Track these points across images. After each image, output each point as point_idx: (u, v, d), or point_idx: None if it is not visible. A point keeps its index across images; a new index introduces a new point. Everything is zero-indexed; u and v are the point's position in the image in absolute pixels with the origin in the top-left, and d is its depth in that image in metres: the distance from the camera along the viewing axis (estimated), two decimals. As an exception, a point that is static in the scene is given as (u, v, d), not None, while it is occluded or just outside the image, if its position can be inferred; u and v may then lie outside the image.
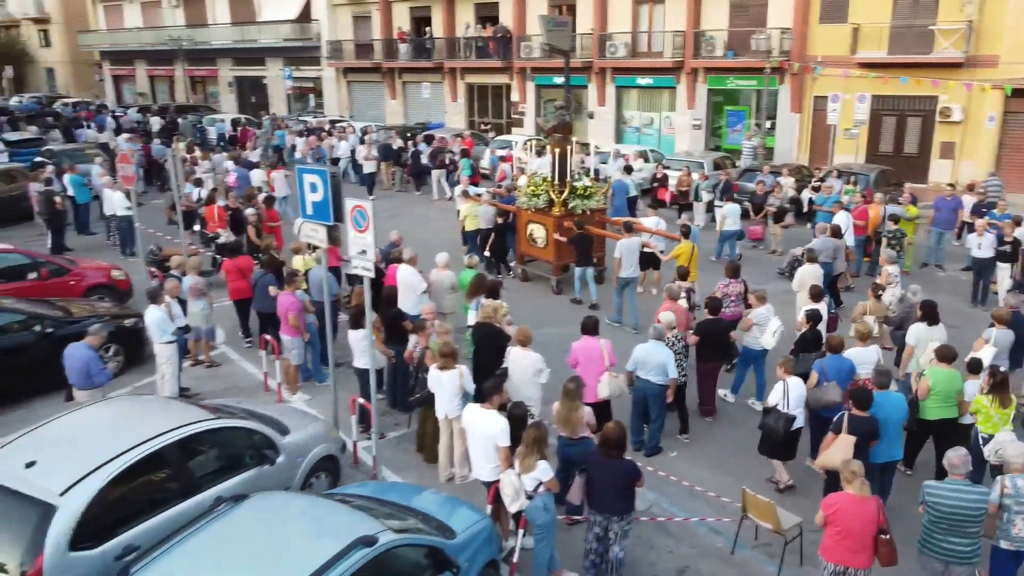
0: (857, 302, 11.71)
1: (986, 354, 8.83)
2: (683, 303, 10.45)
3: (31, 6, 56.51)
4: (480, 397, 7.61)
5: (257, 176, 20.50)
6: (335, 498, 6.42)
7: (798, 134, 27.18)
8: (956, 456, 6.32)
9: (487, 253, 15.85)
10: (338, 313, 11.95)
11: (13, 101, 45.91)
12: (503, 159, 23.36)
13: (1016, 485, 6.35)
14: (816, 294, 10.50)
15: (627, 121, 32.20)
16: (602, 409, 8.79)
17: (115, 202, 17.30)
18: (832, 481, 7.40)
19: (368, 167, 24.37)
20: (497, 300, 10.18)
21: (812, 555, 7.36)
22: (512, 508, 6.76)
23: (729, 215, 16.75)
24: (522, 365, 8.60)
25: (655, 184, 21.37)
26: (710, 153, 25.54)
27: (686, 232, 13.24)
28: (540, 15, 28.91)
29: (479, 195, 16.97)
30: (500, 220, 15.88)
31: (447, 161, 23.68)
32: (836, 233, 13.75)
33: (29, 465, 6.02)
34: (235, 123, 34.63)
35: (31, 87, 57.56)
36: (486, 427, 7.12)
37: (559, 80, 29.70)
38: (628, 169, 20.97)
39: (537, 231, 15.40)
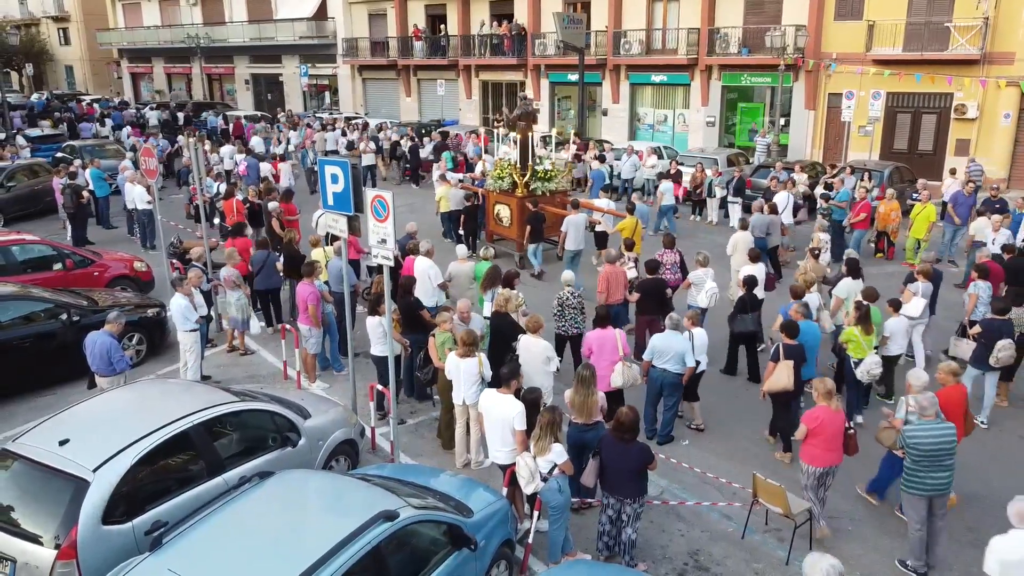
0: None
1: (917, 304, 10.46)
2: (630, 271, 11.86)
3: (51, 4, 57.23)
4: (497, 382, 7.78)
5: (264, 167, 21.51)
6: (356, 476, 6.61)
7: (812, 131, 27.20)
8: (926, 399, 7.17)
9: (460, 232, 17.38)
10: (356, 304, 12.15)
11: (33, 98, 46.63)
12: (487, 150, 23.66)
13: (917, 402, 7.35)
14: (754, 256, 11.91)
15: (641, 118, 32.29)
16: (615, 398, 8.96)
17: (136, 196, 17.60)
18: (778, 404, 8.99)
19: (366, 160, 25.00)
20: (512, 291, 10.35)
21: (821, 539, 7.53)
22: (527, 490, 6.92)
23: (665, 192, 18.86)
24: (532, 352, 8.77)
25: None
26: (724, 150, 25.60)
27: (631, 209, 15.11)
28: (555, 12, 29.21)
29: (460, 180, 18.77)
30: (468, 202, 17.29)
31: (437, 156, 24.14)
32: (773, 210, 15.29)
33: (63, 443, 6.24)
34: (225, 117, 36.08)
35: (50, 85, 58.23)
36: (503, 411, 7.29)
37: (573, 77, 29.89)
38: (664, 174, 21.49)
39: (503, 211, 16.90)
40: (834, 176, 19.36)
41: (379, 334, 9.55)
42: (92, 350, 8.93)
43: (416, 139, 27.21)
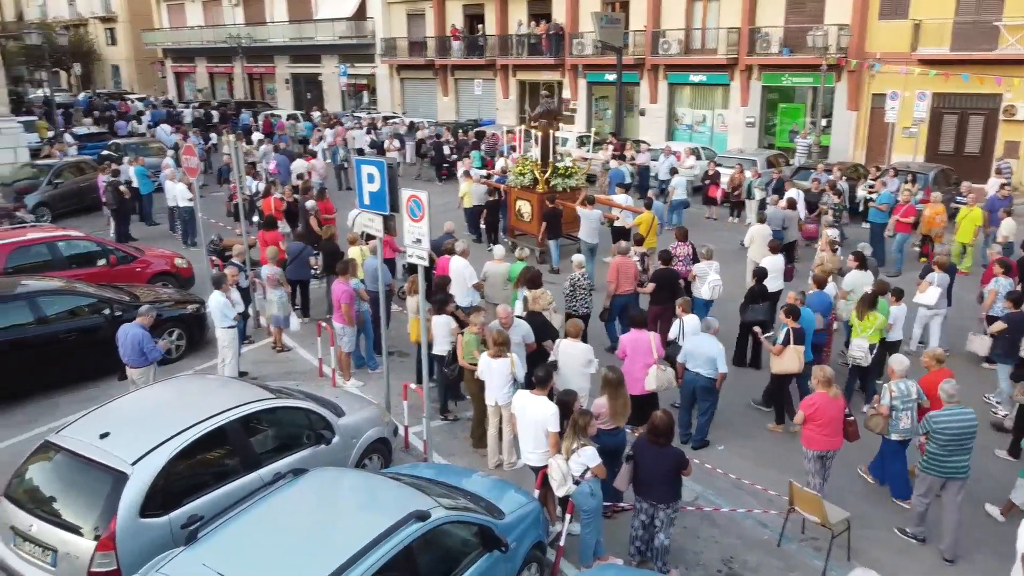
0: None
1: (933, 293, 11.02)
2: (636, 261, 12.17)
3: (99, 5, 58.54)
4: (531, 383, 7.75)
5: (300, 165, 21.76)
6: (389, 475, 6.64)
7: (855, 132, 26.73)
8: (951, 387, 7.34)
9: (482, 226, 17.83)
10: (391, 303, 12.23)
11: (80, 96, 47.83)
12: (512, 148, 23.80)
13: (900, 388, 7.87)
14: (774, 248, 12.28)
15: (679, 118, 32.03)
16: (649, 401, 8.88)
17: (177, 193, 17.91)
18: (776, 383, 9.65)
19: (390, 157, 25.28)
20: (540, 289, 10.36)
21: (860, 550, 7.42)
22: (560, 493, 6.89)
23: (677, 187, 19.41)
24: (572, 355, 8.73)
25: (706, 182, 21.25)
26: (763, 151, 25.27)
27: (648, 204, 15.26)
28: (593, 12, 29.11)
29: (486, 177, 19.27)
30: (491, 198, 17.78)
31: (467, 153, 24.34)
32: (791, 205, 15.50)
33: (103, 436, 6.35)
34: (255, 115, 37.21)
35: (97, 84, 59.58)
36: (536, 413, 7.26)
37: (611, 77, 29.73)
38: (674, 171, 21.42)
39: (524, 207, 17.25)
40: (877, 178, 18.99)
41: (443, 333, 9.61)
42: (124, 341, 9.11)
43: (438, 137, 27.72)
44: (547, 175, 16.75)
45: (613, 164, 21.45)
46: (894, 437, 8.02)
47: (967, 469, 7.30)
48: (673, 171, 20.70)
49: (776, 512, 7.93)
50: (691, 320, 9.65)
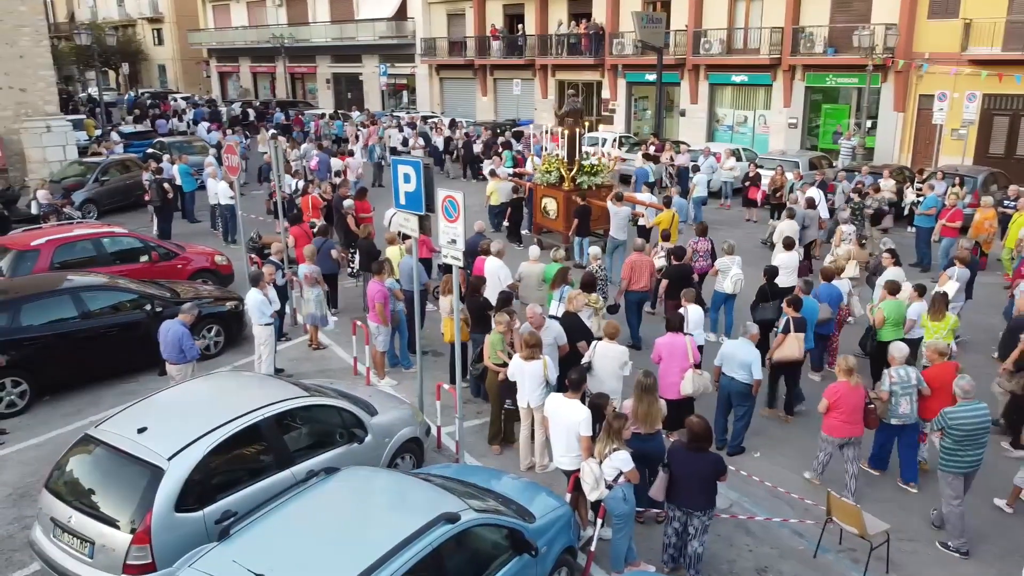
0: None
1: (951, 287, 11.12)
2: (658, 260, 12.43)
3: (147, 6, 59.78)
4: (564, 386, 7.70)
5: (336, 162, 22.26)
6: (420, 476, 6.63)
7: (901, 134, 26.11)
8: (968, 383, 7.43)
9: (506, 223, 18.04)
10: (426, 302, 12.26)
11: (126, 96, 48.99)
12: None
13: (900, 374, 8.11)
14: (788, 244, 12.60)
15: (720, 119, 31.63)
16: (685, 406, 8.77)
17: (219, 191, 18.18)
18: (775, 370, 9.84)
19: (416, 156, 25.71)
20: (595, 294, 10.54)
21: (899, 563, 7.24)
22: (592, 497, 6.83)
23: (699, 184, 19.95)
24: (609, 358, 8.66)
25: (747, 183, 20.94)
26: (806, 152, 24.82)
27: (667, 202, 15.56)
28: (634, 12, 28.87)
29: (515, 175, 19.60)
30: (515, 195, 18.12)
31: (498, 152, 24.35)
32: (810, 204, 15.61)
33: (141, 431, 6.45)
34: (287, 114, 38.40)
35: (144, 83, 60.87)
36: (569, 416, 7.21)
37: (651, 77, 29.51)
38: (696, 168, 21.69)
39: (550, 204, 17.41)
40: (923, 181, 18.55)
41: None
42: (165, 338, 9.25)
43: (468, 136, 28.19)
44: (573, 172, 16.91)
45: (639, 163, 21.75)
46: (893, 422, 8.22)
47: (981, 462, 7.46)
48: (695, 168, 21.23)
49: (813, 522, 7.77)
50: (695, 311, 9.91)
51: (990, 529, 7.88)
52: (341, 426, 7.60)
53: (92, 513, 6.11)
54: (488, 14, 38.56)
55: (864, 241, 13.59)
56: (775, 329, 10.12)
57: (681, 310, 9.81)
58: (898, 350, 8.29)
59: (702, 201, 19.97)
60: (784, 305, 9.81)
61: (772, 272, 11.27)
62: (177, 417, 6.81)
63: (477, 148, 26.95)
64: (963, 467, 7.35)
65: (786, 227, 14.00)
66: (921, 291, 10.28)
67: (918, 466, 8.58)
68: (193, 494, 6.20)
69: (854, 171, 20.34)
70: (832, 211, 17.53)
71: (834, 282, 10.89)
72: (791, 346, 9.56)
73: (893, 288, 10.27)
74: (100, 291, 11.18)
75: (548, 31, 35.79)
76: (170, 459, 6.17)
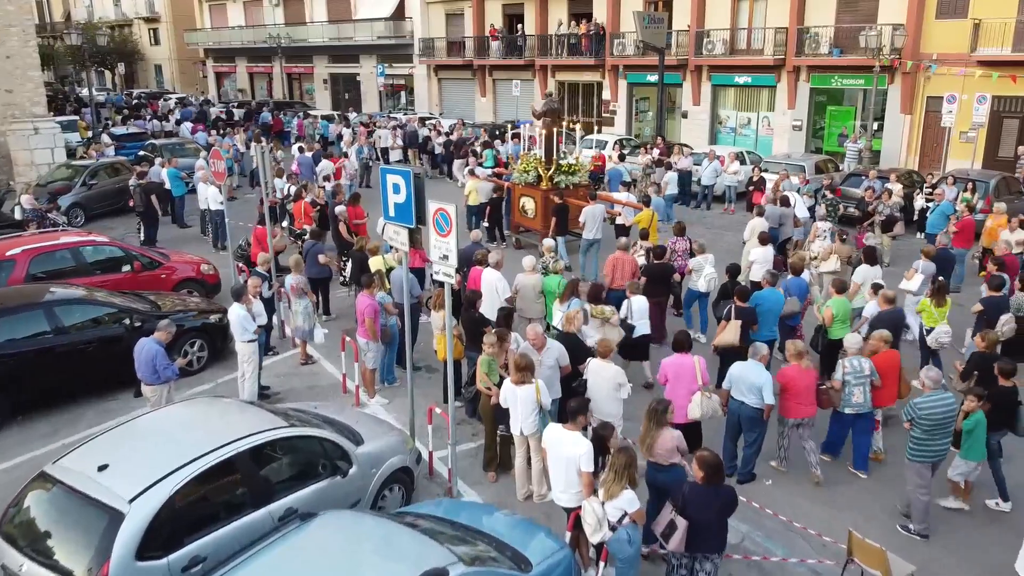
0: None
1: (916, 280, 11.77)
2: (640, 258, 12.79)
3: (143, 6, 59.22)
4: (563, 416, 7.15)
5: (326, 166, 21.41)
6: (406, 520, 6.08)
7: (907, 136, 25.57)
8: (935, 373, 7.69)
9: (485, 224, 17.76)
10: (419, 315, 11.72)
11: (115, 96, 48.49)
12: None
13: (853, 364, 8.38)
14: (763, 239, 12.97)
15: (723, 121, 31.09)
16: (692, 431, 8.24)
17: (209, 196, 17.63)
18: (726, 357, 9.63)
19: (394, 155, 25.90)
20: (608, 306, 10.15)
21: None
22: (594, 540, 6.29)
23: (670, 181, 20.44)
24: (603, 376, 8.14)
25: (750, 188, 20.34)
26: (811, 155, 24.29)
27: (647, 201, 15.51)
28: (635, 11, 28.36)
29: (495, 175, 19.49)
30: (496, 195, 18.03)
31: (471, 152, 23.74)
32: (784, 203, 15.77)
33: (101, 468, 5.92)
34: (272, 114, 37.35)
35: (141, 83, 60.34)
36: (569, 450, 6.65)
37: (652, 78, 28.99)
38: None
39: (528, 203, 17.56)
40: (934, 186, 18.00)
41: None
42: (139, 357, 8.69)
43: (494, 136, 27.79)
44: (551, 172, 16.95)
45: (612, 164, 21.77)
46: (846, 411, 8.46)
47: (947, 451, 7.67)
48: (668, 167, 21.34)
49: (832, 562, 7.22)
50: (638, 301, 10.33)
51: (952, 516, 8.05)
52: (324, 457, 7.04)
53: (44, 562, 5.57)
54: (487, 14, 38.01)
55: (845, 238, 13.90)
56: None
57: (625, 301, 10.21)
58: (851, 341, 8.63)
59: (674, 199, 20.24)
60: (735, 296, 10.06)
61: (734, 270, 11.46)
62: (142, 452, 6.26)
63: (438, 149, 27.04)
64: (931, 456, 7.56)
65: (757, 224, 14.24)
66: (877, 290, 10.38)
67: (871, 456, 8.83)
68: (157, 539, 5.65)
69: (861, 175, 19.78)
70: (812, 211, 17.07)
71: (802, 275, 11.33)
72: (730, 332, 9.78)
73: (840, 287, 10.53)
74: (76, 304, 10.61)
75: (548, 31, 35.24)
76: (131, 501, 5.62)
